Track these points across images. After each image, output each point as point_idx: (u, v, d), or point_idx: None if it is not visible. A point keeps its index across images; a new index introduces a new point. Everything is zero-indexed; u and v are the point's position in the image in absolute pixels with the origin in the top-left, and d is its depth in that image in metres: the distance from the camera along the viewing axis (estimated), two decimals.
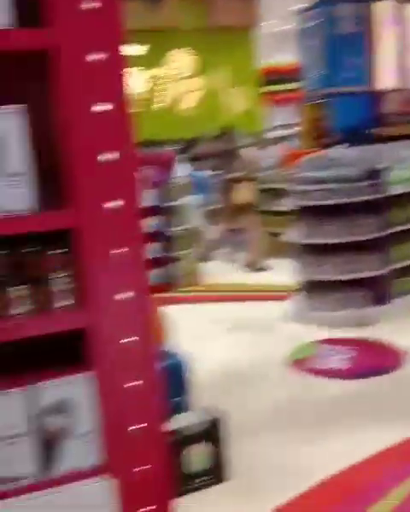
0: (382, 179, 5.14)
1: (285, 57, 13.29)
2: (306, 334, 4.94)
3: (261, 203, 7.51)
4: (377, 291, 5.22)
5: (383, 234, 5.14)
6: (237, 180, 7.27)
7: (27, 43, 1.33)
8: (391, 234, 5.18)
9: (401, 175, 5.28)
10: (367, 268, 5.14)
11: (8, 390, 1.44)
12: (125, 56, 1.38)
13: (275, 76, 12.72)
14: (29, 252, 1.45)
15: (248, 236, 7.45)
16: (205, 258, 7.65)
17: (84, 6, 1.31)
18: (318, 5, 9.00)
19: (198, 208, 7.47)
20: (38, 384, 1.46)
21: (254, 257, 7.41)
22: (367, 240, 5.10)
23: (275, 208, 7.50)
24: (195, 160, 8.48)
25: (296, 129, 12.61)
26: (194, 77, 11.08)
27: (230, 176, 7.38)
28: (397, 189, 5.21)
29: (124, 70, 1.39)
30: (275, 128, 11.08)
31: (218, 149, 8.19)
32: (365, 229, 5.09)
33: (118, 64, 1.38)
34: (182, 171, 7.29)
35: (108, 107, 1.39)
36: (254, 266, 7.34)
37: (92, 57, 1.33)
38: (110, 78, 1.38)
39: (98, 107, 1.37)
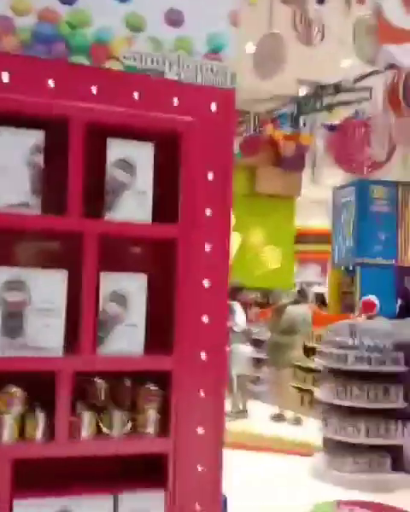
0: None
1: (317, 221, 14.35)
2: (326, 493, 5.05)
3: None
4: (398, 459, 5.38)
5: None
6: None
7: (159, 234, 1.87)
8: None
9: None
10: (391, 436, 5.36)
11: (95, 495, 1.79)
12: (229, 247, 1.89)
13: (305, 237, 13.87)
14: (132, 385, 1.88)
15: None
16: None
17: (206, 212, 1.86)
18: (353, 184, 10.06)
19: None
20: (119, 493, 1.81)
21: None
22: (394, 409, 5.37)
23: (307, 365, 7.74)
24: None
25: (319, 288, 13.16)
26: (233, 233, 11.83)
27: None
28: None
29: (228, 258, 1.89)
30: (300, 285, 11.61)
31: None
32: (392, 398, 5.39)
33: (224, 252, 1.89)
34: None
35: (209, 283, 1.88)
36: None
37: (207, 247, 1.85)
38: (215, 262, 1.88)
39: (205, 283, 1.86)
